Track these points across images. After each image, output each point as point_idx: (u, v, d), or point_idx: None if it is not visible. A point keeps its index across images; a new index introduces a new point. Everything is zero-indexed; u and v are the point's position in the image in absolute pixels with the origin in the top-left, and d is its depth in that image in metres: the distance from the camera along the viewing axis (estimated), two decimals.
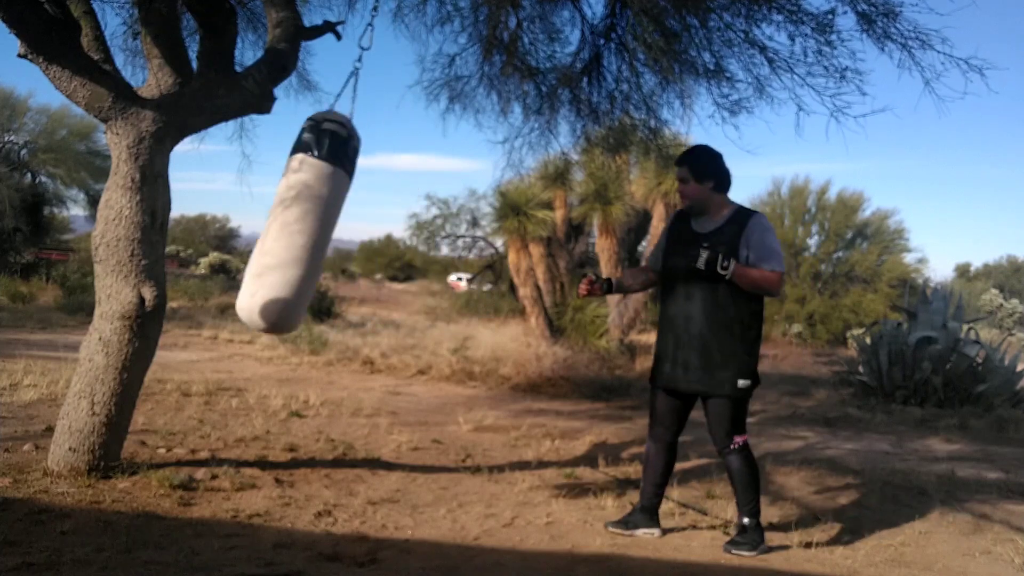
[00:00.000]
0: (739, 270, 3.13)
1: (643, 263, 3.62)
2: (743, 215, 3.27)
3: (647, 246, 11.68)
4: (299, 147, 2.88)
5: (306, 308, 2.86)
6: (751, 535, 3.25)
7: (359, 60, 3.20)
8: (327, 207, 2.84)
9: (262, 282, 2.68)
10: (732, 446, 3.30)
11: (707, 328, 3.22)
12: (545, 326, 11.15)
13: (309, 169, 2.83)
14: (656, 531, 3.44)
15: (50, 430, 3.88)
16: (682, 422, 3.46)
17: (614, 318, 11.23)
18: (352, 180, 3.02)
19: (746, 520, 3.27)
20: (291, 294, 2.68)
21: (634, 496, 4.06)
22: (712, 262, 3.10)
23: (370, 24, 3.30)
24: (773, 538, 3.46)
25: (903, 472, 4.97)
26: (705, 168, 3.29)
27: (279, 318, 2.67)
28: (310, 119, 2.96)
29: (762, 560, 3.18)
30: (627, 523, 3.46)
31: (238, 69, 3.94)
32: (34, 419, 4.63)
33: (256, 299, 2.65)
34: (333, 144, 2.89)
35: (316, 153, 2.85)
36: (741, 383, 3.22)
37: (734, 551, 3.21)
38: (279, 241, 2.73)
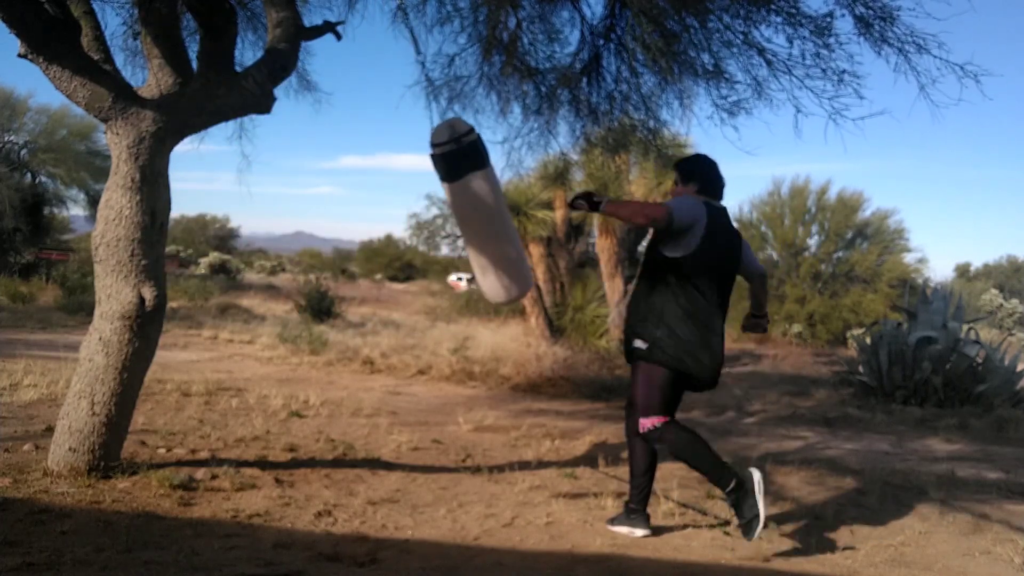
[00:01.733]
0: (612, 202, 3.30)
1: None
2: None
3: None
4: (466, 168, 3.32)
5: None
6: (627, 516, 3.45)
7: (423, 67, 3.72)
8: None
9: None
10: (644, 427, 3.29)
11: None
12: (545, 326, 11.15)
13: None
14: (649, 530, 3.45)
15: (50, 430, 3.88)
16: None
17: (614, 318, 11.24)
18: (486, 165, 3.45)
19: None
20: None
21: None
22: (584, 195, 3.32)
23: (411, 30, 3.51)
24: (773, 538, 3.46)
25: (903, 472, 4.97)
26: (689, 170, 3.46)
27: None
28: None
29: (763, 560, 3.18)
30: (630, 522, 3.48)
31: (238, 69, 3.94)
32: (34, 419, 4.63)
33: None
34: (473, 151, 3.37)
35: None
36: (638, 343, 3.29)
37: (613, 527, 3.43)
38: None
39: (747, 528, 3.13)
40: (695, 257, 3.25)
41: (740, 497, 3.14)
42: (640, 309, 3.34)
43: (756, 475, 3.16)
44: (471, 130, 3.37)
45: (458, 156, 3.32)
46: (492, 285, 3.48)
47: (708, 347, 3.26)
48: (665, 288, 3.28)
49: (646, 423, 3.26)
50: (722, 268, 3.36)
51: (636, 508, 3.46)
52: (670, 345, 3.24)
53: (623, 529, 3.44)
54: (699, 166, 3.46)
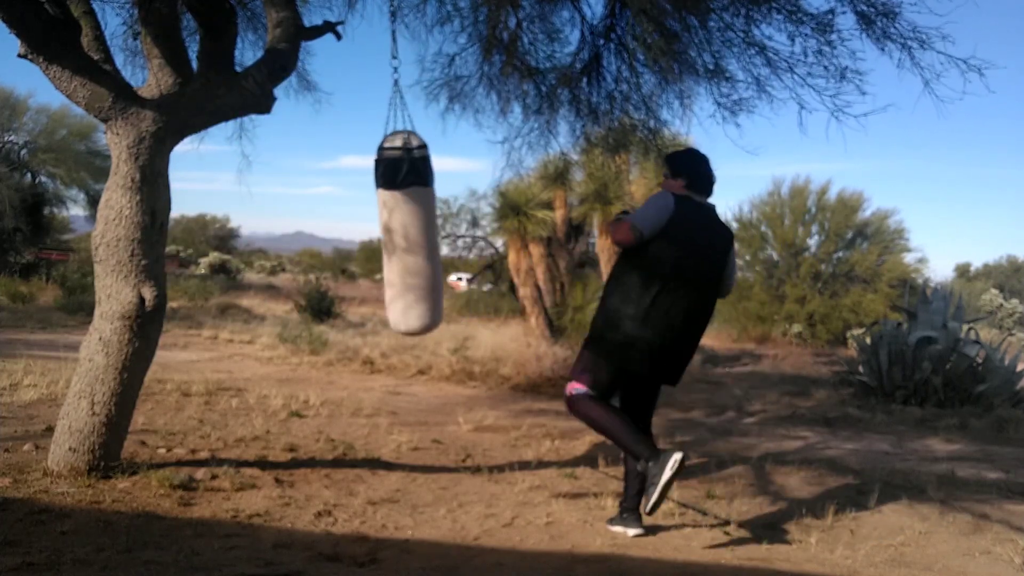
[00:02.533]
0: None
1: None
2: None
3: None
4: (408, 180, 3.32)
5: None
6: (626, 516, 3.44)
7: (396, 71, 3.49)
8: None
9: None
10: (566, 390, 3.32)
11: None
12: (545, 326, 11.14)
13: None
14: (639, 529, 3.44)
15: (50, 430, 3.88)
16: (639, 408, 3.54)
17: None
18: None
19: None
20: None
21: None
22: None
23: (393, 32, 3.51)
24: (773, 537, 3.46)
25: (903, 472, 4.97)
26: (678, 164, 3.46)
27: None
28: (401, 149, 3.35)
29: (763, 560, 3.18)
30: (626, 521, 3.47)
31: (238, 69, 3.94)
32: (34, 419, 4.63)
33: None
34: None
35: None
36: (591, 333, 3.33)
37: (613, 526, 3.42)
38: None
39: (644, 495, 3.10)
40: (652, 253, 3.26)
41: (651, 469, 3.06)
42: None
43: (677, 455, 3.05)
44: (423, 146, 3.39)
45: (402, 165, 3.31)
46: (403, 310, 3.41)
47: (645, 341, 3.24)
48: (612, 279, 3.38)
49: (569, 387, 3.30)
50: (689, 266, 3.27)
51: (629, 507, 3.45)
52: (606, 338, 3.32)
53: (618, 528, 3.44)
54: (688, 161, 3.46)
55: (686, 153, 3.57)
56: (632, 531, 3.41)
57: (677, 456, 3.03)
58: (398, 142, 3.35)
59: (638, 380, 3.40)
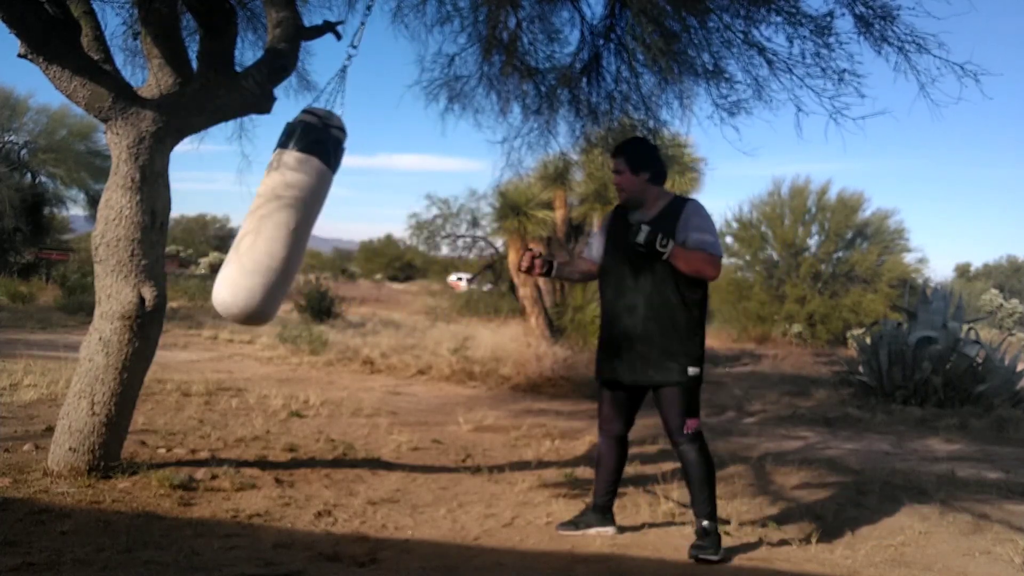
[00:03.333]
0: (677, 250, 3.10)
1: (581, 254, 3.59)
2: (679, 202, 3.27)
3: None
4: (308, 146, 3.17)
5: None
6: (713, 537, 3.15)
7: (348, 59, 3.47)
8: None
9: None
10: (685, 430, 3.18)
11: (650, 318, 3.18)
12: (545, 326, 11.15)
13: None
14: (610, 530, 3.40)
15: (50, 430, 3.88)
16: (630, 416, 3.43)
17: None
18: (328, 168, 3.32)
19: (705, 523, 3.15)
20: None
21: (635, 495, 4.07)
22: (652, 238, 3.08)
23: (362, 23, 3.45)
24: (773, 537, 3.46)
25: (903, 472, 4.97)
26: (641, 159, 3.27)
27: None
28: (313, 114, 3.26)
29: (763, 560, 3.18)
30: (578, 523, 3.42)
31: (238, 69, 3.94)
32: (34, 419, 4.63)
33: None
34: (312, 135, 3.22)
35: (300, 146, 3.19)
36: (691, 371, 3.19)
37: (700, 556, 3.09)
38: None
39: (703, 548, 3.12)
40: (603, 259, 3.35)
41: (716, 532, 3.16)
42: (671, 334, 3.25)
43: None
44: (342, 129, 3.34)
45: (312, 132, 3.22)
46: (240, 285, 3.03)
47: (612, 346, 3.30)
48: (695, 308, 3.29)
49: (692, 423, 3.25)
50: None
51: (600, 505, 3.48)
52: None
53: (595, 531, 3.42)
54: (649, 154, 3.32)
55: (643, 145, 3.43)
56: (599, 529, 3.41)
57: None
58: (320, 113, 3.31)
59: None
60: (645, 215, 3.26)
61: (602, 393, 3.42)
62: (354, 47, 3.45)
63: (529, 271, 3.32)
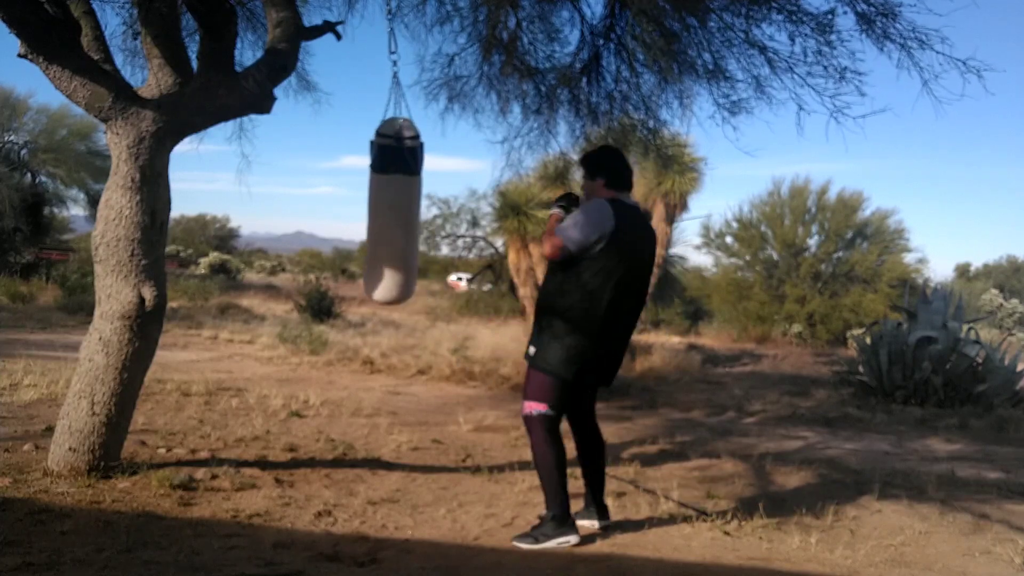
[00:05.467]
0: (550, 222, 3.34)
1: None
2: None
3: None
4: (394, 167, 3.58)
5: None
6: (543, 527, 3.21)
7: (395, 64, 3.70)
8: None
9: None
10: (523, 410, 3.26)
11: (541, 301, 3.35)
12: None
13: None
14: (595, 522, 3.47)
15: (50, 430, 3.88)
16: (580, 406, 3.48)
17: None
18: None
19: (545, 512, 3.24)
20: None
21: (635, 495, 4.07)
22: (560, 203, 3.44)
23: (390, 30, 3.64)
24: (773, 537, 3.46)
25: (903, 472, 4.97)
26: (595, 165, 3.42)
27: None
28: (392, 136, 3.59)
29: (763, 560, 3.18)
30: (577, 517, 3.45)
31: (238, 69, 3.94)
32: (34, 419, 4.63)
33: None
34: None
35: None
36: (531, 351, 3.26)
37: (515, 542, 3.19)
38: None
39: (522, 537, 3.19)
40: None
41: (553, 521, 3.19)
42: (548, 322, 3.36)
43: (574, 539, 3.22)
44: (416, 136, 3.60)
45: (393, 153, 3.56)
46: (382, 281, 3.64)
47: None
48: (572, 300, 3.34)
49: (531, 406, 3.28)
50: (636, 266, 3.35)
51: (592, 500, 3.54)
52: None
53: (584, 523, 3.46)
54: (604, 160, 3.44)
55: (600, 152, 3.54)
56: (592, 523, 3.46)
57: (575, 540, 3.21)
58: (390, 130, 3.59)
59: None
60: None
61: None
62: (393, 52, 3.72)
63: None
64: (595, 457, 3.55)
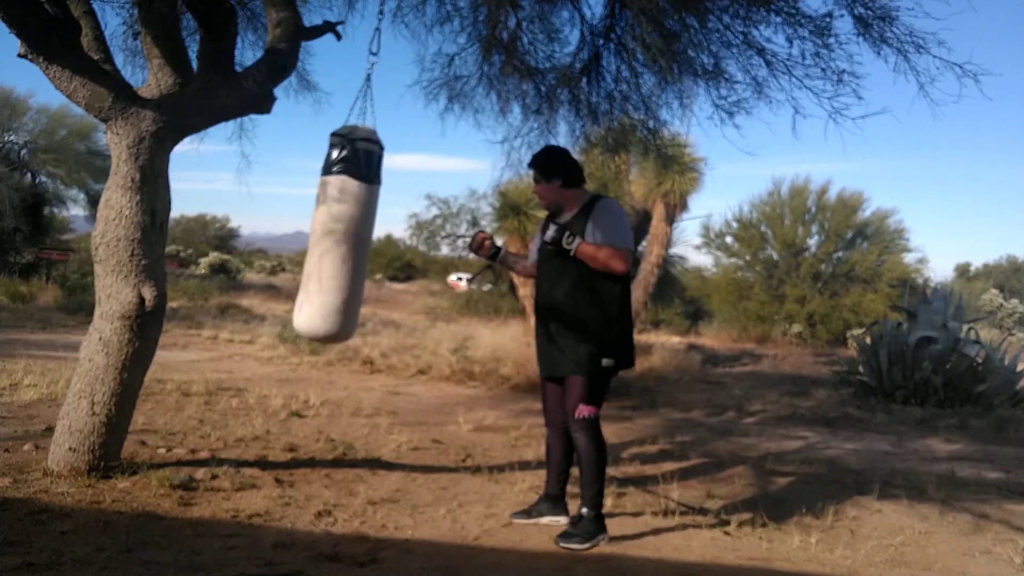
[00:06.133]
0: (583, 247, 3.21)
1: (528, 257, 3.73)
2: (592, 201, 3.38)
3: (647, 245, 11.68)
4: (339, 168, 3.14)
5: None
6: (586, 525, 3.22)
7: (371, 67, 3.37)
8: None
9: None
10: (577, 415, 3.26)
11: (569, 311, 3.28)
12: None
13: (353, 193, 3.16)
14: (563, 518, 3.47)
15: (50, 430, 3.88)
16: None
17: None
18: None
19: (584, 511, 3.24)
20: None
21: (635, 495, 4.07)
22: (558, 236, 3.23)
23: (377, 28, 3.44)
24: (773, 537, 3.46)
25: (903, 472, 4.97)
26: (550, 167, 3.39)
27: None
28: (341, 136, 3.18)
29: (763, 560, 3.18)
30: (530, 512, 3.54)
31: (238, 69, 3.94)
32: (34, 419, 4.63)
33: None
34: (371, 163, 3.20)
35: (359, 175, 3.15)
36: (605, 362, 3.24)
37: (563, 544, 3.18)
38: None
39: (569, 536, 3.21)
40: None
41: (595, 520, 3.24)
42: (587, 326, 3.31)
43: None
44: (371, 139, 3.21)
45: (338, 153, 3.18)
46: (318, 312, 3.13)
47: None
48: (612, 302, 3.35)
49: (585, 410, 3.30)
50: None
51: (552, 494, 3.57)
52: None
53: (548, 519, 3.51)
54: (556, 160, 3.43)
55: (550, 153, 3.50)
56: (551, 519, 3.48)
57: (605, 539, 3.24)
58: (343, 132, 3.22)
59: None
60: (565, 217, 3.39)
61: (543, 386, 3.54)
62: (374, 53, 3.44)
63: (477, 251, 3.50)
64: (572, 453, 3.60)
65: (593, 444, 3.27)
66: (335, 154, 3.16)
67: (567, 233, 3.23)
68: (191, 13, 3.95)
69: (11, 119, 18.44)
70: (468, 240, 3.45)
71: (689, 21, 4.44)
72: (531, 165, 3.46)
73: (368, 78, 3.34)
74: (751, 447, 5.70)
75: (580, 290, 3.27)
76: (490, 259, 3.55)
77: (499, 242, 3.48)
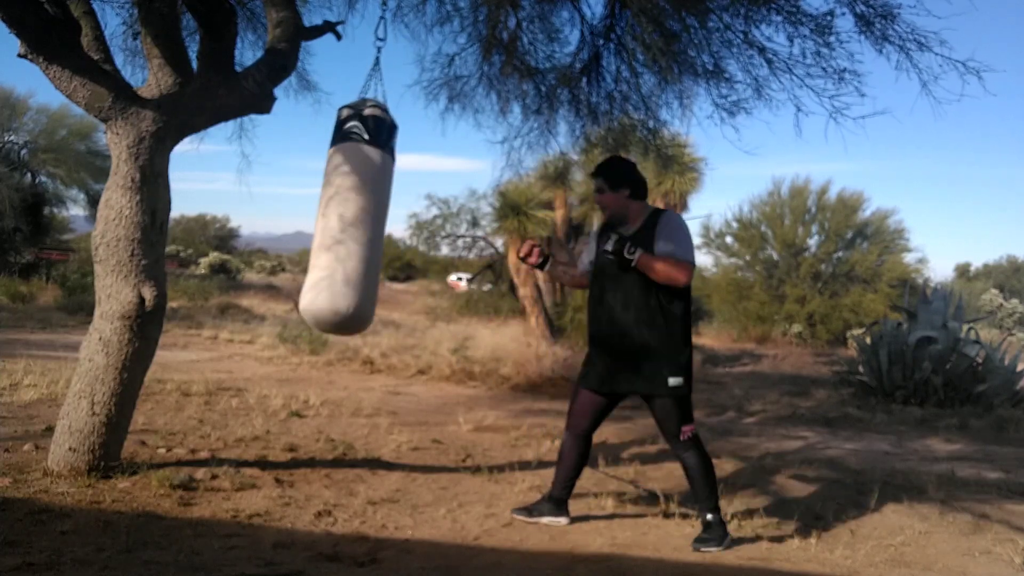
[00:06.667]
0: (644, 258, 3.19)
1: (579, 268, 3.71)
2: (656, 214, 3.37)
3: None
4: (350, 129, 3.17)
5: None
6: (715, 530, 3.28)
7: (379, 52, 3.51)
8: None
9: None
10: (682, 437, 3.30)
11: (632, 326, 3.27)
12: (545, 326, 11.16)
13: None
14: (563, 520, 3.50)
15: (50, 430, 3.88)
16: (601, 419, 3.51)
17: None
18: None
19: (709, 516, 3.29)
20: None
21: (636, 496, 4.07)
22: (619, 247, 3.19)
23: (382, 16, 3.51)
24: (773, 536, 3.46)
25: (903, 472, 4.97)
26: (620, 177, 3.37)
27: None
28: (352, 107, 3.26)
29: (763, 560, 3.18)
30: (532, 510, 3.54)
31: (238, 69, 3.94)
32: (34, 419, 4.63)
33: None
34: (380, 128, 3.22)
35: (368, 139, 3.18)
36: (672, 381, 3.24)
37: (703, 549, 3.21)
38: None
39: (704, 541, 3.25)
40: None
41: (720, 524, 3.30)
42: (654, 343, 3.29)
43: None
44: (379, 107, 3.27)
45: (344, 122, 3.26)
46: (337, 293, 3.07)
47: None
48: (677, 316, 3.34)
49: (687, 430, 3.33)
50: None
51: (557, 496, 3.57)
52: None
53: (547, 520, 3.51)
54: (627, 171, 3.41)
55: (620, 163, 3.49)
56: (551, 519, 3.50)
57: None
58: (353, 105, 3.34)
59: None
60: (629, 229, 3.37)
61: (579, 393, 3.50)
62: (381, 39, 3.53)
63: (525, 259, 3.47)
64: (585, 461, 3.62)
65: (703, 459, 3.32)
66: (344, 124, 3.23)
67: (628, 244, 3.20)
68: (191, 13, 3.95)
69: (11, 119, 18.44)
70: (522, 248, 3.45)
71: (689, 21, 4.44)
72: (597, 173, 3.42)
73: (377, 61, 3.45)
74: (751, 447, 5.70)
75: (646, 306, 3.25)
76: (537, 267, 3.54)
77: (549, 252, 3.49)
